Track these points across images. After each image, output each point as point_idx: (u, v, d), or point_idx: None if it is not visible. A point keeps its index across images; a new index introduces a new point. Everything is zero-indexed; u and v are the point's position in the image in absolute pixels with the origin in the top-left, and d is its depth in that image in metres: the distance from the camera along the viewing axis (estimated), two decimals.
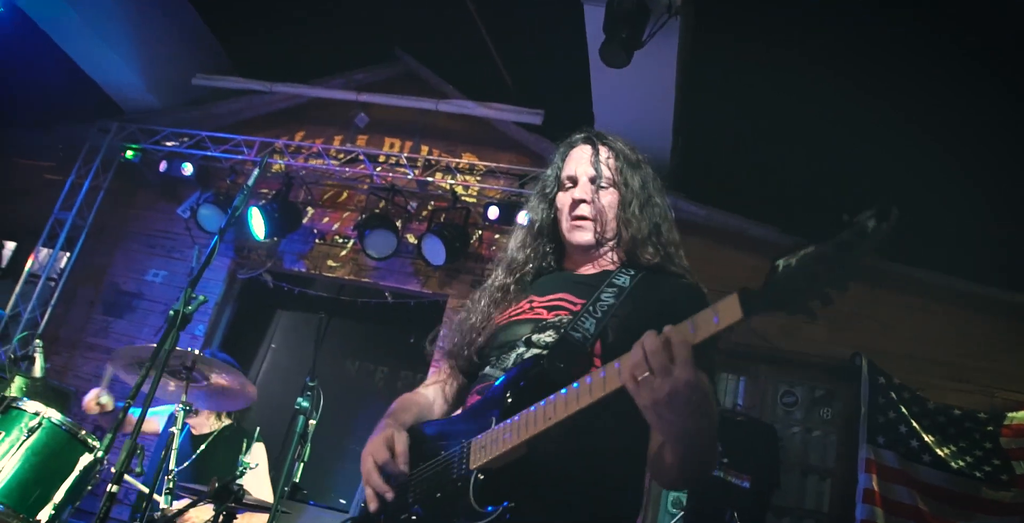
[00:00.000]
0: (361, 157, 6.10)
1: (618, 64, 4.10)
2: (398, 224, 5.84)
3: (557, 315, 1.54)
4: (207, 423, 3.72)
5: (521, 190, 5.70)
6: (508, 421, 1.29)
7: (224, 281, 6.25)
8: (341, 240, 6.17)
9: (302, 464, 2.96)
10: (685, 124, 5.47)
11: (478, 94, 5.86)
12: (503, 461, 1.27)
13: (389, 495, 1.40)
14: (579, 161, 1.70)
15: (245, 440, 3.21)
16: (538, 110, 5.56)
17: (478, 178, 6.07)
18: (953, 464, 4.97)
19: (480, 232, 5.94)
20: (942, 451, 4.99)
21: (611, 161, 1.68)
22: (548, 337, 1.49)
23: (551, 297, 1.60)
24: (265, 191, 6.37)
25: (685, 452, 1.21)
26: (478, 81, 5.87)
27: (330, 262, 6.10)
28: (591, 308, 1.49)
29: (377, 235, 5.66)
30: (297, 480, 2.96)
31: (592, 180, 1.66)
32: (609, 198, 1.65)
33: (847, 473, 5.15)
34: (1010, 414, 5.08)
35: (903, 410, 5.07)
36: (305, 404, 3.04)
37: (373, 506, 1.42)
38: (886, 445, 5.02)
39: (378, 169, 6.15)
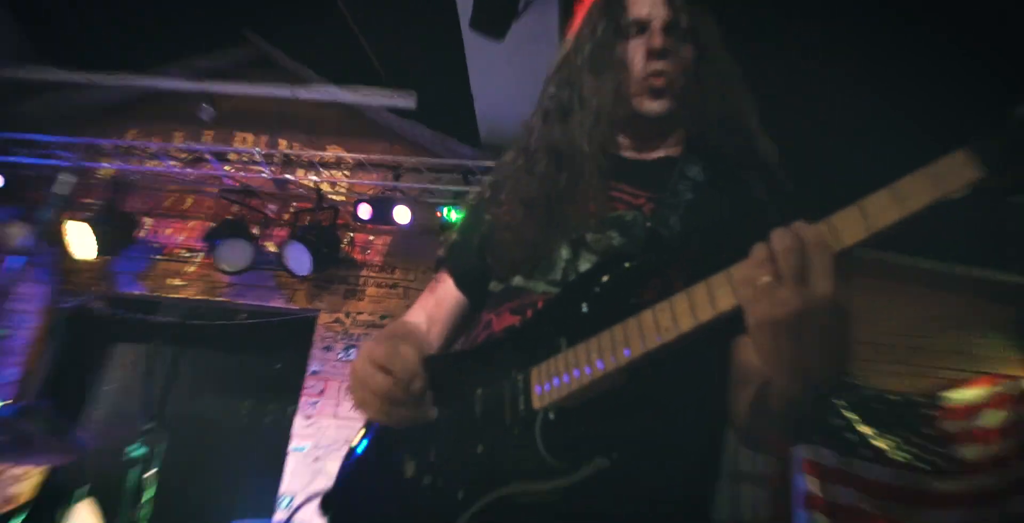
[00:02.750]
0: (207, 156, 5.58)
1: (493, 34, 3.78)
2: (255, 231, 5.43)
3: (613, 208, 1.27)
4: (19, 493, 3.37)
5: (396, 184, 5.31)
6: (592, 340, 1.01)
7: (42, 313, 5.48)
8: (187, 254, 5.67)
9: None
10: None
11: (342, 78, 5.40)
12: (582, 398, 0.98)
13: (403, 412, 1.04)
14: (648, 0, 1.39)
15: (63, 507, 2.83)
16: (410, 92, 5.17)
17: (346, 173, 5.64)
18: (896, 456, 4.62)
19: (351, 234, 5.59)
20: (882, 443, 4.64)
21: (689, 6, 1.39)
22: (612, 239, 1.22)
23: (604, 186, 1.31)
24: (90, 201, 5.67)
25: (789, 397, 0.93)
26: (341, 64, 5.47)
27: (175, 281, 5.60)
28: (669, 200, 1.23)
29: (230, 245, 5.21)
30: None
31: (668, 26, 1.36)
32: (686, 53, 1.36)
33: (784, 477, 4.74)
34: (945, 394, 4.69)
35: (835, 400, 4.73)
36: (138, 453, 2.77)
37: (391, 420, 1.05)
38: (822, 442, 4.65)
39: (228, 169, 5.63)
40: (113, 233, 5.26)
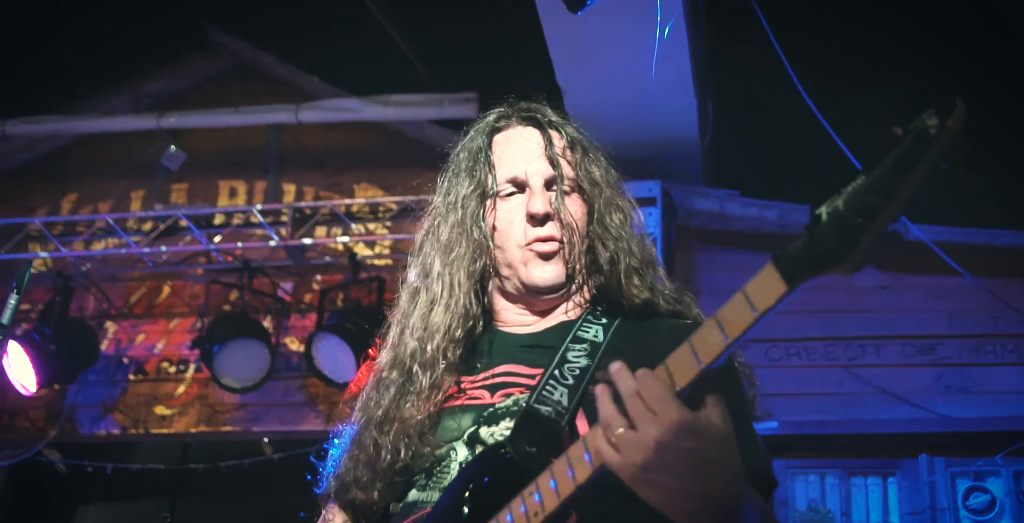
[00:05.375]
0: (183, 222, 5.31)
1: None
2: (267, 325, 5.21)
3: (508, 395, 1.45)
4: None
5: None
6: None
7: None
8: (173, 369, 5.47)
9: None
10: (713, 84, 5.03)
11: (364, 85, 5.17)
12: None
13: None
14: (523, 153, 1.58)
15: None
16: (468, 94, 4.92)
17: (388, 224, 5.40)
18: None
19: None
20: None
21: (568, 152, 1.59)
22: (505, 429, 1.40)
23: (490, 373, 1.51)
24: (25, 307, 5.57)
25: None
26: (359, 64, 5.42)
27: (160, 409, 5.37)
28: (557, 373, 1.44)
29: (234, 350, 4.98)
30: None
31: (550, 183, 1.55)
32: (576, 208, 1.56)
33: None
34: None
35: None
36: None
37: None
38: None
39: (216, 239, 5.45)
40: (63, 351, 4.99)
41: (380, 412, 1.53)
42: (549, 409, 1.40)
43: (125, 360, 5.43)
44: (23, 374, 4.87)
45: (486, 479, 1.33)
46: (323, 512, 1.66)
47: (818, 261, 0.98)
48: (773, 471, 1.41)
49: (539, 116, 1.61)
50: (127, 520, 6.00)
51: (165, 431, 5.29)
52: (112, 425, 5.34)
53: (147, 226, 5.47)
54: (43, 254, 5.36)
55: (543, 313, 1.59)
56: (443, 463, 1.45)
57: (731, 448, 1.10)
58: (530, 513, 1.21)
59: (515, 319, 1.59)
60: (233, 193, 5.73)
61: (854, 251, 0.96)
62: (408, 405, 1.51)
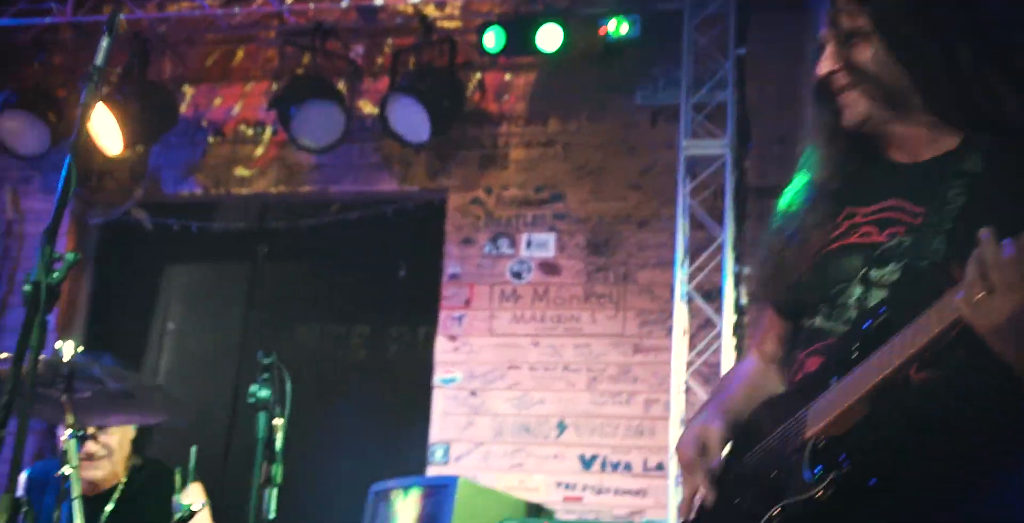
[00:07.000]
0: None
1: None
2: (341, 86, 5.30)
3: (893, 234, 1.57)
4: (106, 473, 3.47)
5: None
6: (848, 378, 1.45)
7: (68, 234, 5.57)
8: (251, 131, 5.61)
9: (275, 491, 2.92)
10: None
11: None
12: (843, 426, 1.46)
13: (702, 497, 1.64)
14: (823, 19, 1.70)
15: (178, 474, 2.98)
16: None
17: None
18: None
19: (479, 75, 5.31)
20: None
21: (853, 5, 1.62)
22: (892, 273, 1.56)
23: (878, 206, 1.62)
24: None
25: None
26: None
27: (240, 170, 5.56)
28: (934, 218, 1.51)
29: (310, 111, 5.13)
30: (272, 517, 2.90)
31: (837, 41, 1.64)
32: (868, 52, 1.59)
33: None
34: None
35: None
36: (264, 393, 2.96)
37: (690, 513, 1.68)
38: None
39: (288, 0, 5.39)
40: (145, 113, 5.18)
41: (793, 227, 1.68)
42: (927, 262, 1.49)
43: (204, 123, 5.59)
44: (108, 135, 5.05)
45: (867, 338, 1.45)
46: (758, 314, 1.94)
47: None
48: None
49: None
50: (212, 279, 6.16)
51: (245, 191, 5.53)
52: (194, 185, 5.58)
53: None
54: (121, 15, 5.43)
55: (920, 142, 1.62)
56: (842, 297, 1.59)
57: None
58: (880, 362, 1.37)
59: (899, 148, 1.65)
60: None
61: None
62: (814, 228, 1.66)
